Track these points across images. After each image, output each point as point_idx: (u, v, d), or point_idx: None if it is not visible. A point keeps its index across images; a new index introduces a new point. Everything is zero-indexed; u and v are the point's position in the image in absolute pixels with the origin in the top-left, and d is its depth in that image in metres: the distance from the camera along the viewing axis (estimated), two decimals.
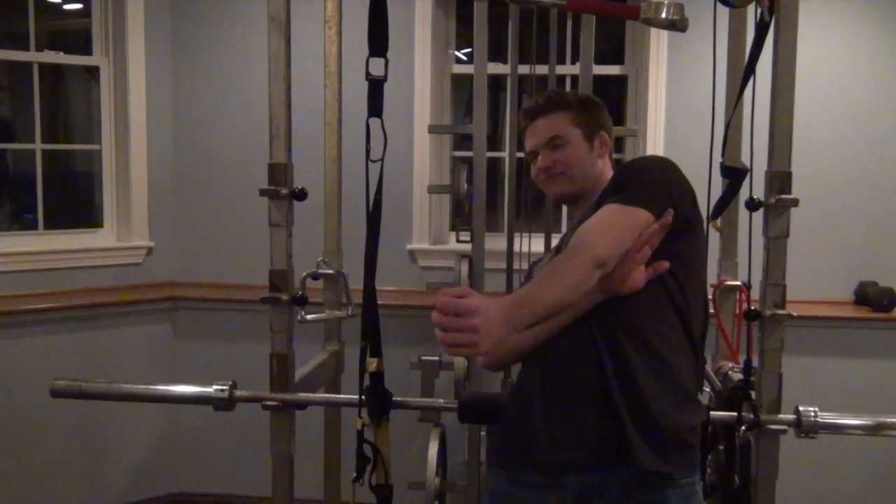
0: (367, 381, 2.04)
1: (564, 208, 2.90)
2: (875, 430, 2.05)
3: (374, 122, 1.96)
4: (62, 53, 3.69)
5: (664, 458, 1.56)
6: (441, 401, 2.27)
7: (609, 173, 1.88)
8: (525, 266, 2.83)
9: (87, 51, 3.70)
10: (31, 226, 3.70)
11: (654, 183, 1.68)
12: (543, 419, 1.62)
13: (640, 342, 1.60)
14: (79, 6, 3.77)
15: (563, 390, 1.63)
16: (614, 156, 1.95)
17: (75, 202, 4.09)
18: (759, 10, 1.93)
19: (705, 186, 2.00)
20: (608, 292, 1.60)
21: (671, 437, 1.58)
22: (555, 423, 1.61)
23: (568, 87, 3.40)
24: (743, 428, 1.98)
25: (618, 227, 1.57)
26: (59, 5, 3.87)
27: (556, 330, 1.63)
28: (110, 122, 3.72)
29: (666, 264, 1.55)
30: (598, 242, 1.51)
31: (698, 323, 1.71)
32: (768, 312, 1.99)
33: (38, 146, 3.65)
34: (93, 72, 3.73)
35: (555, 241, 2.27)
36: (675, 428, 1.59)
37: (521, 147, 1.97)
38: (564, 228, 2.90)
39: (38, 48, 3.61)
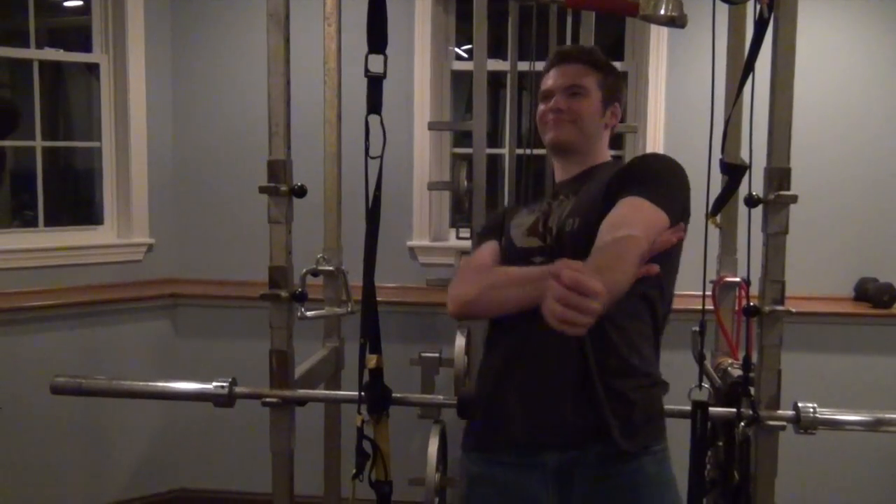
0: (366, 378, 2.04)
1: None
2: (874, 426, 2.06)
3: (374, 119, 1.96)
4: (62, 50, 3.69)
5: (638, 435, 1.63)
6: (441, 397, 2.27)
7: (606, 149, 1.91)
8: None
9: (87, 48, 3.70)
10: (31, 223, 3.70)
11: (679, 188, 1.71)
12: (521, 400, 1.65)
13: (619, 330, 1.64)
14: (79, 3, 3.77)
15: (543, 371, 1.65)
16: (612, 152, 1.96)
17: (75, 199, 4.10)
18: (758, 7, 1.93)
19: (704, 182, 2.00)
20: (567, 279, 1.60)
21: (644, 416, 1.66)
22: (533, 403, 1.65)
23: None
24: (742, 424, 1.99)
25: (652, 226, 1.57)
26: (59, 2, 3.87)
27: (529, 300, 1.56)
28: (110, 119, 3.73)
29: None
30: (642, 240, 1.49)
31: (664, 315, 1.77)
32: (767, 309, 1.99)
33: (39, 143, 3.65)
34: (93, 69, 3.73)
35: None
36: (648, 408, 1.68)
37: (520, 144, 1.96)
38: None
39: (39, 45, 3.61)
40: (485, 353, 1.84)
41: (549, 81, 1.87)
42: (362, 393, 2.04)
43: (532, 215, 1.81)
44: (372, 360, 2.03)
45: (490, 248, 1.85)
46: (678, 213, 1.66)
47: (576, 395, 1.62)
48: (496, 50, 3.39)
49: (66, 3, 3.89)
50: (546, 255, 1.69)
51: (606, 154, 1.93)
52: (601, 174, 1.80)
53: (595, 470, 1.62)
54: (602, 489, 1.63)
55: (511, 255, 1.78)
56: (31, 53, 3.58)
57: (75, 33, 3.83)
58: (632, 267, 1.42)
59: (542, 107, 1.88)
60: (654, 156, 1.82)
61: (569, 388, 1.62)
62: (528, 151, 2.89)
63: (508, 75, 3.07)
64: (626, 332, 1.66)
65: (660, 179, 1.69)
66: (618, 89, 1.92)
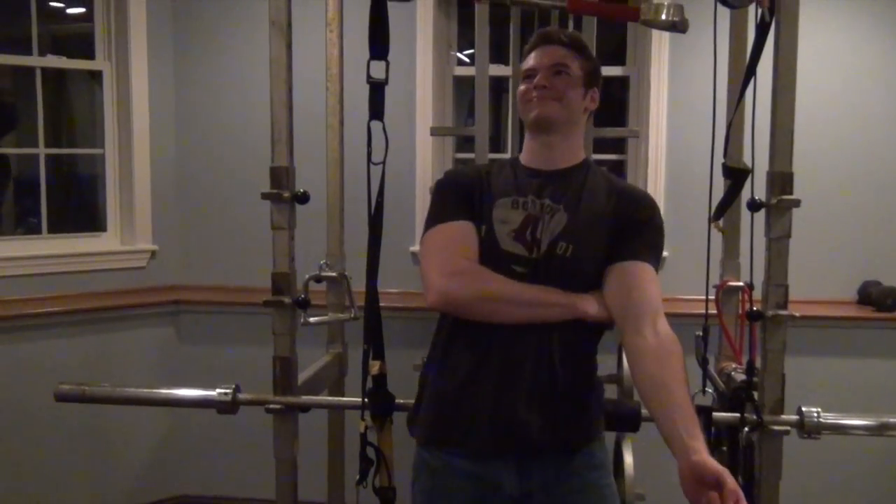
0: (370, 384, 2.04)
1: None
2: (879, 430, 2.06)
3: (376, 124, 1.96)
4: (65, 58, 3.70)
5: (592, 432, 1.80)
6: None
7: (582, 138, 1.92)
8: None
9: (89, 55, 3.71)
10: (34, 230, 3.71)
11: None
12: (492, 407, 1.71)
13: (582, 350, 1.79)
14: (81, 10, 3.78)
15: (516, 382, 1.71)
16: (613, 157, 1.95)
17: (79, 206, 4.10)
18: (759, 11, 1.93)
19: (707, 187, 2.00)
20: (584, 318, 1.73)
21: (597, 413, 1.83)
22: (502, 411, 1.71)
23: None
24: (746, 429, 1.99)
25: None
26: (61, 10, 3.88)
27: (525, 320, 1.70)
28: (113, 126, 3.73)
29: None
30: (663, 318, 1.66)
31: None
32: (770, 313, 1.99)
33: (42, 150, 3.66)
34: (96, 76, 3.74)
35: None
36: (599, 411, 1.84)
37: (521, 145, 1.95)
38: None
39: (41, 52, 3.61)
40: (445, 344, 1.82)
41: (531, 61, 1.85)
42: (366, 399, 2.03)
43: (517, 213, 1.77)
44: (375, 367, 2.03)
45: (470, 232, 1.78)
46: None
47: (543, 405, 1.71)
48: (498, 55, 3.39)
49: (68, 11, 3.89)
50: (529, 268, 1.72)
51: (582, 147, 1.91)
52: (590, 188, 1.80)
53: (553, 460, 1.74)
54: (560, 474, 1.74)
55: (493, 255, 1.74)
56: (34, 61, 3.59)
57: (78, 40, 3.83)
58: (681, 359, 1.59)
59: (523, 86, 1.85)
60: (656, 209, 1.83)
61: (538, 402, 1.71)
62: None
63: (510, 80, 3.07)
64: (589, 352, 1.81)
65: (660, 243, 1.81)
66: (597, 75, 1.91)
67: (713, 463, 1.31)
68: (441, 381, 1.81)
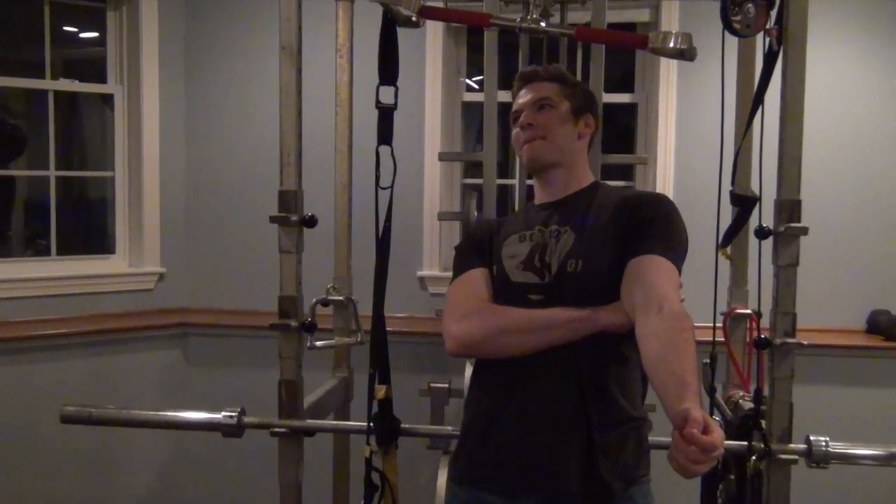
0: (375, 408, 2.04)
1: None
2: (888, 460, 2.04)
3: (384, 149, 1.97)
4: (77, 81, 3.73)
5: (628, 471, 1.66)
6: (450, 428, 2.26)
7: (586, 163, 1.88)
8: None
9: (101, 79, 3.74)
10: (44, 252, 3.72)
11: (684, 241, 1.72)
12: (518, 439, 1.66)
13: (616, 378, 1.68)
14: (94, 35, 3.82)
15: (541, 413, 1.65)
16: (622, 182, 1.95)
17: (88, 228, 4.12)
18: (767, 40, 1.94)
19: (715, 214, 2.00)
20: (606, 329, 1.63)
21: (635, 456, 1.68)
22: (530, 445, 1.65)
23: None
24: (754, 457, 1.98)
25: (678, 289, 1.62)
26: (75, 34, 3.92)
27: (544, 345, 1.64)
28: (124, 149, 3.76)
29: None
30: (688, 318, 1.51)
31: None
32: (778, 341, 1.99)
33: (53, 173, 3.68)
34: (107, 99, 3.77)
35: None
36: (637, 447, 1.69)
37: (530, 174, 1.96)
38: None
39: (54, 76, 3.65)
40: (474, 384, 1.82)
41: (517, 103, 1.87)
42: (371, 424, 2.03)
43: (524, 245, 1.77)
44: (381, 391, 2.02)
45: (482, 276, 1.80)
46: (682, 265, 1.69)
47: (573, 442, 1.63)
48: (507, 81, 3.40)
49: (81, 35, 3.93)
50: (544, 293, 1.69)
51: (588, 171, 1.89)
52: (598, 204, 1.78)
53: (585, 500, 1.63)
54: None
55: (506, 290, 1.74)
56: (47, 84, 3.63)
57: (90, 64, 3.87)
58: (691, 337, 1.45)
59: (514, 129, 1.87)
60: (666, 203, 1.77)
61: (567, 434, 1.63)
62: None
63: None
64: (621, 380, 1.68)
65: (673, 233, 1.70)
66: (588, 99, 1.90)
67: (698, 411, 1.21)
68: (469, 422, 1.80)
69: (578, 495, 1.62)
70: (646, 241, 1.65)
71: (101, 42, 3.74)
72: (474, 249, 1.86)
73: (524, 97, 1.86)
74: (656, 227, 1.69)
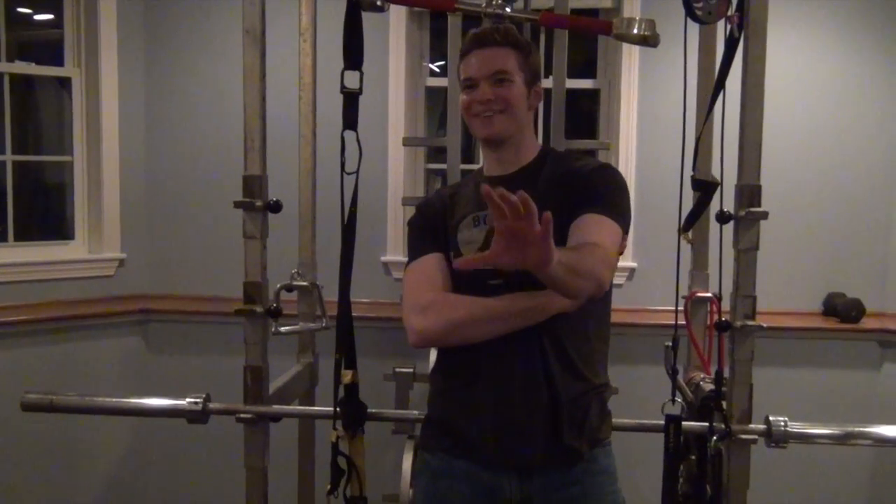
0: (341, 393, 2.04)
1: None
2: (843, 439, 2.09)
3: (350, 134, 1.97)
4: (33, 64, 3.66)
5: (594, 439, 1.78)
6: (415, 412, 2.27)
7: (532, 131, 1.87)
8: None
9: (58, 61, 3.67)
10: (1, 238, 3.66)
11: (628, 204, 1.78)
12: (493, 425, 1.71)
13: (580, 353, 1.75)
14: (50, 17, 3.75)
15: (511, 396, 1.70)
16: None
17: (46, 214, 4.05)
18: (728, 26, 1.97)
19: (676, 199, 2.02)
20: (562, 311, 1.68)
21: (598, 419, 1.79)
22: (505, 430, 1.71)
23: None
24: (714, 438, 2.01)
25: (615, 239, 1.67)
26: (29, 15, 3.84)
27: (508, 331, 1.67)
28: (82, 134, 3.70)
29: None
30: (611, 250, 1.61)
31: (608, 327, 1.86)
32: (739, 324, 2.02)
33: (9, 157, 3.62)
34: (65, 83, 3.70)
35: None
36: (601, 412, 1.81)
37: None
38: None
39: (9, 58, 3.58)
40: (440, 370, 1.86)
41: (471, 70, 1.78)
42: (337, 408, 2.03)
43: (479, 230, 1.77)
44: (347, 376, 2.03)
45: (437, 263, 1.79)
46: (627, 226, 1.75)
47: (541, 414, 1.70)
48: None
49: (37, 17, 3.86)
50: (503, 277, 1.68)
51: (535, 139, 1.89)
52: (546, 179, 1.79)
53: (556, 467, 1.74)
54: (561, 481, 1.74)
55: (465, 277, 1.72)
56: (2, 67, 3.55)
57: (47, 47, 3.80)
58: (607, 270, 1.53)
59: (465, 97, 1.80)
60: (611, 172, 1.80)
61: (534, 409, 1.70)
62: None
63: None
64: (582, 353, 1.75)
65: (616, 196, 1.75)
66: (537, 67, 1.86)
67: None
68: (438, 405, 1.84)
69: (547, 459, 1.72)
70: (583, 203, 1.68)
71: (58, 24, 3.67)
72: (429, 231, 1.85)
73: (480, 66, 1.77)
74: (602, 191, 1.73)
